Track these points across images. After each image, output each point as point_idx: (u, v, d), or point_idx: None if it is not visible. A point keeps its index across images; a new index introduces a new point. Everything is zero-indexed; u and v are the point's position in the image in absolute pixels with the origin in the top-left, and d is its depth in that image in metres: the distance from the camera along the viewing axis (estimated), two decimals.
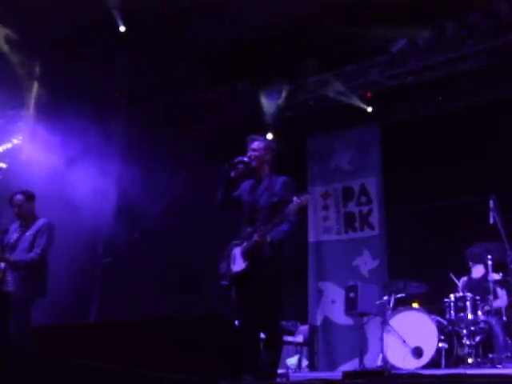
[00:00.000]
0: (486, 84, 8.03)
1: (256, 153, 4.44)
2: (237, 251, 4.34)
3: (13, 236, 5.58)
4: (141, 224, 7.86)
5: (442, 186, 8.18)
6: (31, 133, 7.31)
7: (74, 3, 7.14)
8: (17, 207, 5.62)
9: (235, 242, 4.40)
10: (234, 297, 4.30)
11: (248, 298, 4.22)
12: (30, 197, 5.69)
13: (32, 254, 5.43)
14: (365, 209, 9.06)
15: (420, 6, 7.04)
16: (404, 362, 6.22)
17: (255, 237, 4.17)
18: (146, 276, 8.38)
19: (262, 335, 4.28)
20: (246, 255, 4.23)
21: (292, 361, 7.46)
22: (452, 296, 6.31)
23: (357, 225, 9.09)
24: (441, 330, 6.25)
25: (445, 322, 6.40)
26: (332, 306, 8.72)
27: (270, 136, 8.58)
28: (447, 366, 6.03)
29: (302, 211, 4.16)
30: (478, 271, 6.72)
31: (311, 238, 9.38)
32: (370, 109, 8.79)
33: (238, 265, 4.28)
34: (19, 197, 5.63)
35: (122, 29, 7.64)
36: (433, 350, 6.12)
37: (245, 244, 4.27)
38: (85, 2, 7.11)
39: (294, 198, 4.04)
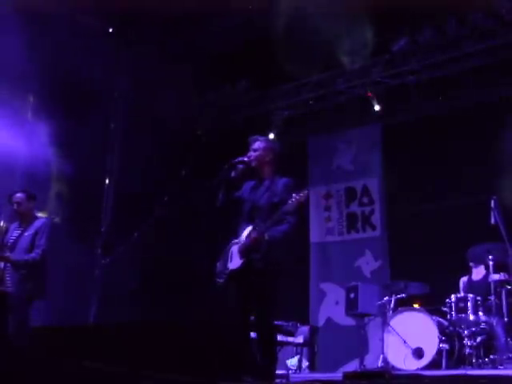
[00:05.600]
0: (487, 83, 8.01)
1: (256, 153, 4.43)
2: (234, 249, 4.32)
3: (11, 236, 5.58)
4: (140, 224, 7.86)
5: (444, 187, 8.17)
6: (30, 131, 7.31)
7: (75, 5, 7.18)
8: (16, 204, 5.61)
9: (234, 240, 4.38)
10: (229, 294, 4.28)
11: (243, 296, 4.20)
12: (30, 196, 5.69)
13: (33, 254, 5.43)
14: (367, 209, 9.05)
15: (421, 5, 7.03)
16: (405, 362, 6.20)
17: (253, 234, 4.16)
18: (145, 276, 8.37)
19: (255, 334, 4.25)
20: (242, 252, 4.22)
21: (292, 361, 7.44)
22: (453, 296, 6.29)
23: (359, 225, 9.08)
24: (442, 330, 6.23)
25: (446, 323, 6.37)
26: (336, 307, 8.71)
27: (271, 136, 8.56)
28: (448, 367, 6.01)
29: (300, 210, 4.14)
30: (478, 272, 6.71)
31: (313, 239, 9.37)
32: (377, 107, 8.74)
33: (235, 262, 4.26)
34: (19, 195, 5.64)
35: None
36: (434, 351, 6.10)
37: (242, 241, 4.26)
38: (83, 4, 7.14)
39: (293, 195, 4.03)
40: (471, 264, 6.73)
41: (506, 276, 6.09)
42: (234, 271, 4.25)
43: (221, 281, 4.32)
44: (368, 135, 9.19)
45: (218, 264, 4.42)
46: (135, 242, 7.71)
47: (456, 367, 5.99)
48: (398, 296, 6.84)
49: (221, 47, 7.97)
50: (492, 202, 6.04)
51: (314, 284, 9.13)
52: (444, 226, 7.99)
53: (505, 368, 5.53)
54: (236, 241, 4.36)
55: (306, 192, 4.08)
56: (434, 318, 6.34)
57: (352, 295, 7.40)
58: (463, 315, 6.12)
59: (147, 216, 7.84)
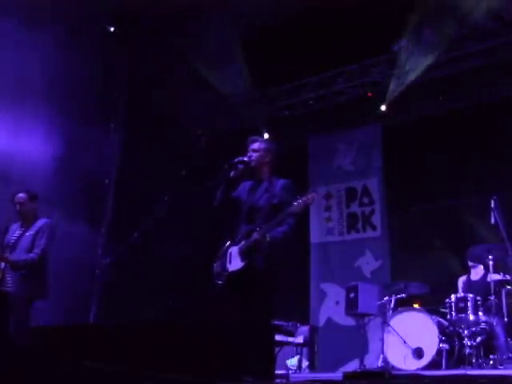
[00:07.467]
0: (487, 83, 8.02)
1: (256, 153, 4.43)
2: (233, 250, 4.30)
3: (13, 236, 5.57)
4: (140, 224, 7.86)
5: (444, 187, 8.18)
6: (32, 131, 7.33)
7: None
8: (18, 205, 5.61)
9: (230, 241, 4.38)
10: (229, 296, 4.28)
11: (243, 297, 4.19)
12: (32, 197, 5.68)
13: (32, 255, 5.41)
14: (367, 209, 9.06)
15: (421, 6, 7.04)
16: (405, 362, 6.19)
17: (255, 235, 4.14)
18: (145, 276, 8.38)
19: (254, 334, 4.24)
20: (243, 254, 4.21)
21: (292, 361, 7.45)
22: (453, 296, 6.29)
23: (359, 225, 9.09)
24: (442, 330, 6.23)
25: (446, 323, 6.37)
26: (336, 307, 8.72)
27: (266, 136, 8.56)
28: (448, 367, 6.00)
29: (300, 213, 4.15)
30: (477, 272, 6.71)
31: (313, 239, 9.38)
32: (383, 107, 8.73)
33: (235, 264, 4.24)
34: (22, 195, 5.63)
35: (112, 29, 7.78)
36: (434, 351, 6.10)
37: (243, 243, 4.24)
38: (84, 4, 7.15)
39: (299, 196, 4.04)
40: (470, 264, 6.73)
41: (506, 276, 6.10)
42: (234, 272, 4.25)
43: (220, 282, 4.31)
44: (368, 135, 9.21)
45: (215, 265, 4.41)
46: (135, 242, 7.71)
47: (456, 367, 5.99)
48: (398, 296, 6.84)
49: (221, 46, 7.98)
50: (492, 202, 6.04)
51: (315, 284, 9.14)
52: (444, 225, 8.01)
53: (505, 368, 5.53)
54: (233, 242, 4.35)
55: (313, 194, 4.08)
56: (433, 317, 6.34)
57: (352, 295, 7.40)
58: (463, 315, 6.12)
59: (147, 216, 7.84)
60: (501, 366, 5.63)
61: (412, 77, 8.08)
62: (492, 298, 6.04)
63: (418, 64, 7.98)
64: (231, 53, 8.03)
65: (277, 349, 6.63)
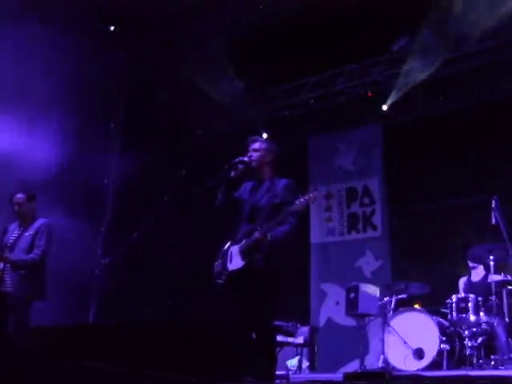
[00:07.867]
0: (487, 83, 8.01)
1: (257, 153, 4.42)
2: (234, 249, 4.29)
3: (11, 236, 5.56)
4: (140, 224, 7.87)
5: (445, 187, 8.18)
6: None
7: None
8: (17, 206, 5.59)
9: (231, 240, 4.36)
10: (229, 295, 4.27)
11: (243, 297, 4.18)
12: (30, 197, 5.67)
13: (32, 255, 5.40)
14: (368, 210, 9.05)
15: (421, 5, 7.03)
16: (405, 363, 6.18)
17: (256, 234, 4.12)
18: (145, 276, 8.37)
19: (255, 334, 4.23)
20: (244, 253, 4.19)
21: (292, 362, 7.43)
22: (454, 297, 6.28)
23: (360, 226, 9.08)
24: (442, 331, 6.21)
25: (446, 323, 6.36)
26: (336, 307, 8.70)
27: (265, 136, 8.56)
28: (449, 368, 5.99)
29: (302, 212, 4.13)
30: (478, 272, 6.70)
31: (314, 239, 9.37)
32: (385, 107, 8.72)
33: (236, 263, 4.23)
34: (20, 196, 5.62)
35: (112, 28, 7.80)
36: (434, 352, 6.08)
37: (243, 242, 4.22)
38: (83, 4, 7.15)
39: (301, 195, 4.02)
40: (471, 264, 6.72)
41: (507, 276, 6.08)
42: (234, 272, 4.23)
43: (221, 281, 4.29)
44: (369, 135, 9.21)
45: (215, 264, 4.40)
46: (135, 242, 7.71)
47: (457, 368, 5.98)
48: (399, 296, 6.83)
49: (220, 47, 7.97)
50: (493, 202, 6.03)
51: (315, 284, 9.13)
52: (444, 226, 8.00)
53: (506, 368, 5.52)
54: (234, 241, 4.34)
55: (315, 193, 4.06)
56: (434, 318, 6.33)
57: (352, 295, 7.39)
58: (464, 315, 6.10)
59: (147, 216, 7.85)
60: (502, 366, 5.62)
61: (416, 79, 8.05)
62: (493, 298, 6.02)
63: (422, 66, 7.97)
64: (227, 54, 8.01)
65: (277, 349, 6.61)
